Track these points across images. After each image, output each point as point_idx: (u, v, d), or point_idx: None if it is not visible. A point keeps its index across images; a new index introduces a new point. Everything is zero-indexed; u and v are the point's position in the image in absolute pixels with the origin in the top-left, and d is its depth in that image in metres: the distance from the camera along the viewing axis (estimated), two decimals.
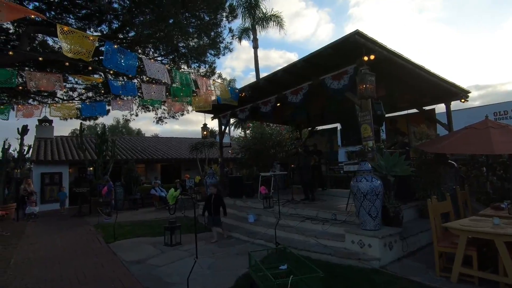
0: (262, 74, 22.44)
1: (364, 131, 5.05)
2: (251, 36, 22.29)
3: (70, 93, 12.85)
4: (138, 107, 12.93)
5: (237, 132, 28.77)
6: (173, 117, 14.37)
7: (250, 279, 3.60)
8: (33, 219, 10.63)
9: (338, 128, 10.69)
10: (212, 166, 14.13)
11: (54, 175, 14.27)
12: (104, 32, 11.01)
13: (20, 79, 9.44)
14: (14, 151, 12.99)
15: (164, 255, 5.31)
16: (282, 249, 3.93)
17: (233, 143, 18.27)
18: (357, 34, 4.61)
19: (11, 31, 10.88)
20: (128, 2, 9.91)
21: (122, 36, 11.25)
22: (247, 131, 22.39)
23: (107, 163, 13.05)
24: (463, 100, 7.93)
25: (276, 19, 21.54)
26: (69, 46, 3.90)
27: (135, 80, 10.89)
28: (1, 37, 10.97)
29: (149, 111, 13.16)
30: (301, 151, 7.67)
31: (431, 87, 6.96)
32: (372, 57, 4.85)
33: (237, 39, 22.28)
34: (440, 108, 8.70)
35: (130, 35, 11.24)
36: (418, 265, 4.16)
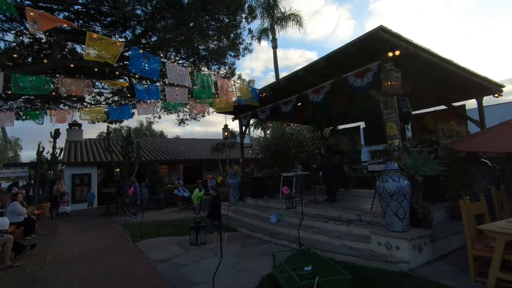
0: (282, 74, 22.40)
1: (390, 130, 4.89)
2: (270, 36, 22.26)
3: (98, 97, 13.44)
4: (161, 109, 13.31)
5: (257, 133, 28.86)
6: (195, 119, 14.65)
7: (274, 280, 3.59)
8: (65, 218, 11.21)
9: (361, 127, 10.43)
10: (233, 166, 14.23)
11: (84, 176, 14.97)
12: (128, 38, 11.42)
13: (51, 86, 9.99)
14: (47, 153, 13.74)
15: (188, 254, 5.41)
16: (306, 250, 3.89)
17: (253, 143, 18.33)
18: (381, 29, 4.47)
19: (43, 41, 11.55)
20: (150, 8, 10.20)
21: (145, 41, 11.61)
22: (267, 132, 22.40)
23: (132, 165, 13.50)
24: (496, 95, 7.48)
25: (295, 18, 21.38)
26: (96, 52, 4.08)
27: (158, 83, 11.21)
28: (35, 46, 11.68)
29: (172, 113, 13.48)
30: (323, 152, 7.55)
31: (460, 82, 6.62)
32: (397, 52, 4.68)
33: (256, 40, 22.37)
34: (471, 104, 8.27)
35: (152, 40, 11.58)
36: (450, 268, 3.98)
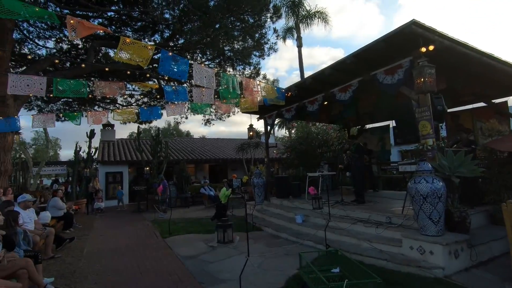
0: (307, 73, 22.12)
1: (423, 129, 4.67)
2: (295, 35, 22.09)
3: (129, 99, 14.08)
4: (187, 110, 13.69)
5: (281, 132, 28.75)
6: (220, 119, 14.93)
7: (301, 281, 3.55)
8: (100, 214, 11.85)
9: (391, 126, 10.04)
10: (258, 166, 14.29)
11: (116, 174, 15.74)
12: (157, 41, 11.85)
13: (88, 89, 10.63)
14: (83, 153, 14.59)
15: (214, 252, 5.51)
16: (334, 251, 3.81)
17: (277, 143, 18.29)
18: (413, 24, 4.28)
19: (80, 47, 12.29)
20: (177, 11, 10.52)
21: (172, 44, 11.98)
22: (291, 131, 22.25)
23: (161, 163, 13.98)
24: None
25: (320, 16, 21.04)
26: (129, 56, 4.27)
27: (185, 85, 11.53)
28: (72, 52, 12.45)
29: (198, 114, 13.81)
30: (349, 152, 7.36)
31: (502, 77, 6.15)
32: (431, 47, 4.45)
33: (281, 39, 22.29)
34: None
35: (179, 42, 11.93)
36: (490, 276, 3.72)
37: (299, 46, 22.06)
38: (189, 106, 9.31)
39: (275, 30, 12.99)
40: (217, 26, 10.13)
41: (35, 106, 13.39)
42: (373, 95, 7.64)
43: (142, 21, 11.23)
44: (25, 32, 11.46)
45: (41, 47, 12.07)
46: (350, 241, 5.06)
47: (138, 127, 14.84)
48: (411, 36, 4.46)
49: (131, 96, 13.86)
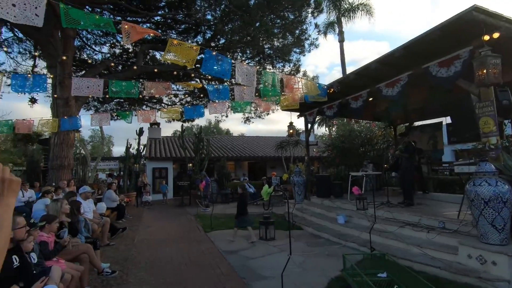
0: (349, 69, 21.35)
1: (485, 126, 4.21)
2: (336, 30, 21.37)
3: (173, 98, 14.80)
4: (227, 108, 14.01)
5: (321, 130, 28.04)
6: (259, 117, 15.02)
7: (344, 283, 3.44)
8: (147, 206, 12.67)
9: (444, 123, 9.24)
10: (298, 164, 14.12)
11: (162, 170, 16.68)
12: (199, 42, 12.27)
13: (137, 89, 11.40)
14: (133, 149, 15.65)
15: (255, 248, 5.56)
16: (380, 255, 3.64)
17: (318, 141, 17.87)
18: (474, 9, 3.87)
19: (130, 51, 13.20)
20: (219, 12, 10.78)
21: (214, 44, 12.32)
22: (332, 129, 21.62)
23: (203, 160, 14.50)
24: None
25: (364, 8, 20.08)
26: (175, 57, 4.48)
27: (226, 83, 11.80)
28: (124, 56, 13.43)
29: (238, 112, 14.07)
30: (397, 152, 6.93)
31: None
32: (495, 35, 3.99)
33: (322, 34, 21.73)
34: None
35: (220, 42, 12.22)
36: None
37: (341, 41, 21.29)
38: (230, 104, 9.53)
39: (316, 25, 12.70)
40: (257, 24, 10.18)
41: (92, 107, 14.72)
42: (424, 90, 7.08)
43: (186, 23, 11.71)
44: (84, 39, 12.63)
45: (97, 52, 13.23)
46: (397, 245, 4.77)
47: (182, 125, 15.53)
48: (472, 23, 4.03)
49: (176, 95, 14.56)
